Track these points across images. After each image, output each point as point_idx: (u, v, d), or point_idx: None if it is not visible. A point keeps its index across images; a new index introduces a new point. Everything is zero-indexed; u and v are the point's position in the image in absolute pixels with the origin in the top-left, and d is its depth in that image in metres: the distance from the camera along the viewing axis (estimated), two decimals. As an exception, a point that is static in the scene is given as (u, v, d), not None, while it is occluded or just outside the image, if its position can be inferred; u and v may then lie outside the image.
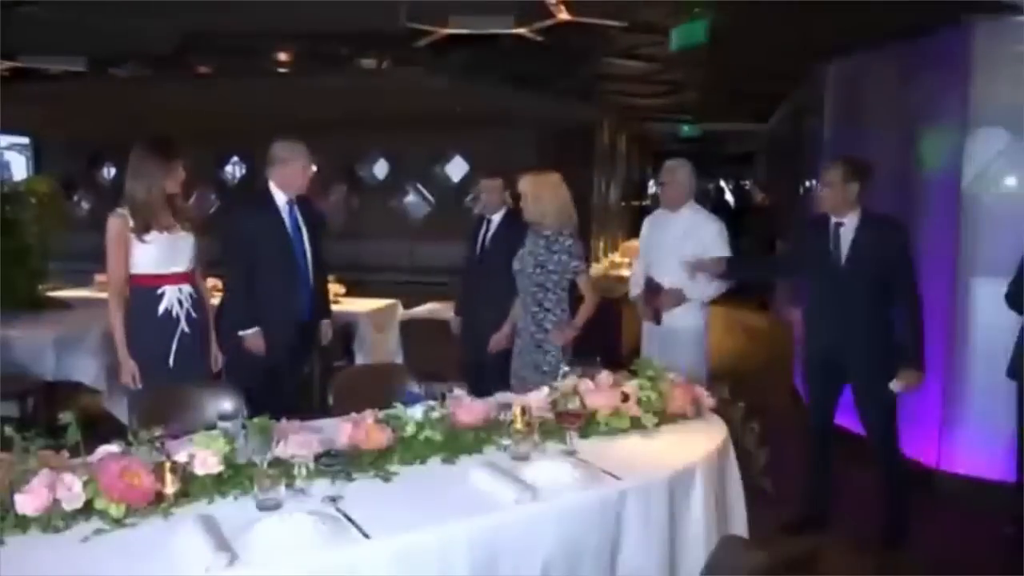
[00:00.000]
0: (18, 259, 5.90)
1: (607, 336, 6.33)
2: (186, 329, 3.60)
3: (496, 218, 4.49)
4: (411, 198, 9.84)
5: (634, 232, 7.46)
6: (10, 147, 11.52)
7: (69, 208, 6.85)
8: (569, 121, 8.80)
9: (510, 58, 5.50)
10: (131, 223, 3.49)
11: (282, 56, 5.60)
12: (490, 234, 4.48)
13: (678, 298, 4.18)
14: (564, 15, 3.91)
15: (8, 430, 2.12)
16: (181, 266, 3.63)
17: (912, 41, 4.79)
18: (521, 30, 4.18)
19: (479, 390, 3.17)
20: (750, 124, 11.77)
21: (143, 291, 3.57)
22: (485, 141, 8.82)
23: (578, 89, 7.85)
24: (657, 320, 4.23)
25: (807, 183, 6.98)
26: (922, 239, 4.67)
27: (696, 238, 4.18)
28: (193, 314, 3.64)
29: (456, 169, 9.45)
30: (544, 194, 3.91)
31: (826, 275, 3.76)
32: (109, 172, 10.86)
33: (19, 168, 11.23)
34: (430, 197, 9.34)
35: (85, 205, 10.52)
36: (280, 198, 3.98)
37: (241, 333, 3.89)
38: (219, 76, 6.16)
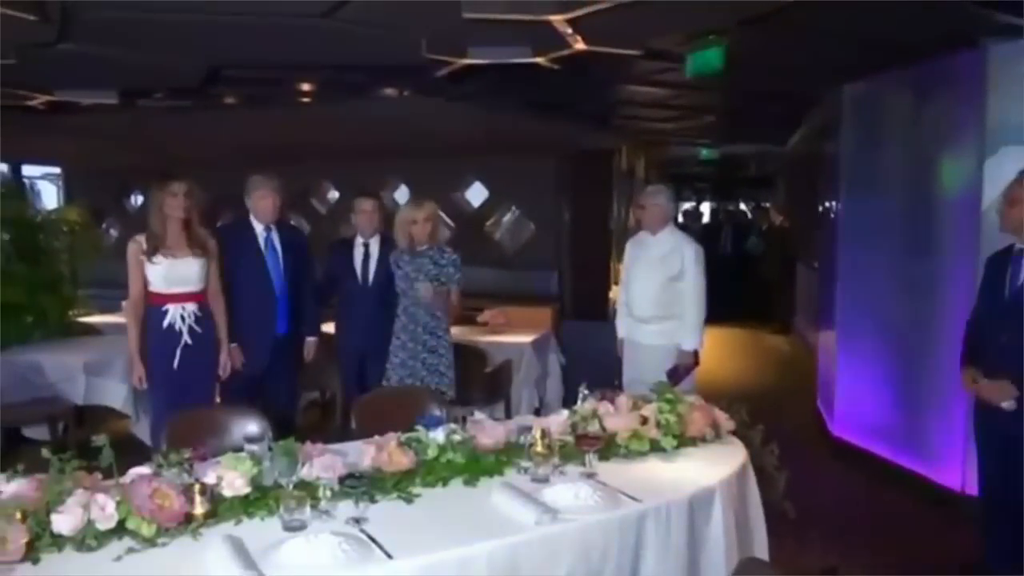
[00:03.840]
0: (50, 287, 6.03)
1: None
2: (188, 341, 4.05)
3: (374, 243, 4.79)
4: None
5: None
6: (43, 177, 11.75)
7: (98, 236, 6.93)
8: (587, 146, 8.81)
9: (528, 86, 5.55)
10: (144, 247, 4.00)
11: (305, 87, 5.70)
12: (373, 259, 4.79)
13: (687, 360, 4.40)
14: (580, 44, 3.96)
15: (45, 451, 2.17)
16: (187, 286, 4.06)
17: (928, 63, 4.79)
18: (539, 59, 4.23)
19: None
20: (769, 147, 11.76)
21: (151, 307, 4.06)
22: (504, 167, 8.90)
23: (596, 115, 7.87)
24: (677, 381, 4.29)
25: (826, 204, 6.97)
26: (941, 264, 4.71)
27: (673, 260, 4.42)
28: (197, 329, 4.08)
29: (476, 195, 9.50)
30: (439, 215, 4.19)
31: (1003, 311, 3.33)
32: (136, 201, 11.02)
33: (50, 197, 11.46)
34: (450, 222, 9.34)
35: (113, 233, 10.64)
36: (258, 226, 4.45)
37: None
38: (244, 106, 6.26)
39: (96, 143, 7.89)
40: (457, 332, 5.36)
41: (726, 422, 3.04)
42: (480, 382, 5.39)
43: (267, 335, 4.44)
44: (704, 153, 13.04)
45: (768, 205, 14.46)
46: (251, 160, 6.30)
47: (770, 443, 3.71)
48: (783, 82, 6.03)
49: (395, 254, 4.52)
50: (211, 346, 4.18)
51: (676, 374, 4.30)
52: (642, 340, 4.54)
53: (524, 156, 8.59)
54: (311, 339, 4.69)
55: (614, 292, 8.65)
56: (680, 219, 16.94)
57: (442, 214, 9.82)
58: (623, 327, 4.69)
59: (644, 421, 2.82)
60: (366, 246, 4.80)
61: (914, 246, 4.99)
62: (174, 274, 4.03)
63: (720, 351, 9.11)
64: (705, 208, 17.51)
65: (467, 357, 5.25)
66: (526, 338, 5.98)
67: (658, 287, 4.46)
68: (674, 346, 4.43)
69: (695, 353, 4.48)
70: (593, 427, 2.67)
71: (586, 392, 3.00)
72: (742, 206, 17.31)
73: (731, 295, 12.86)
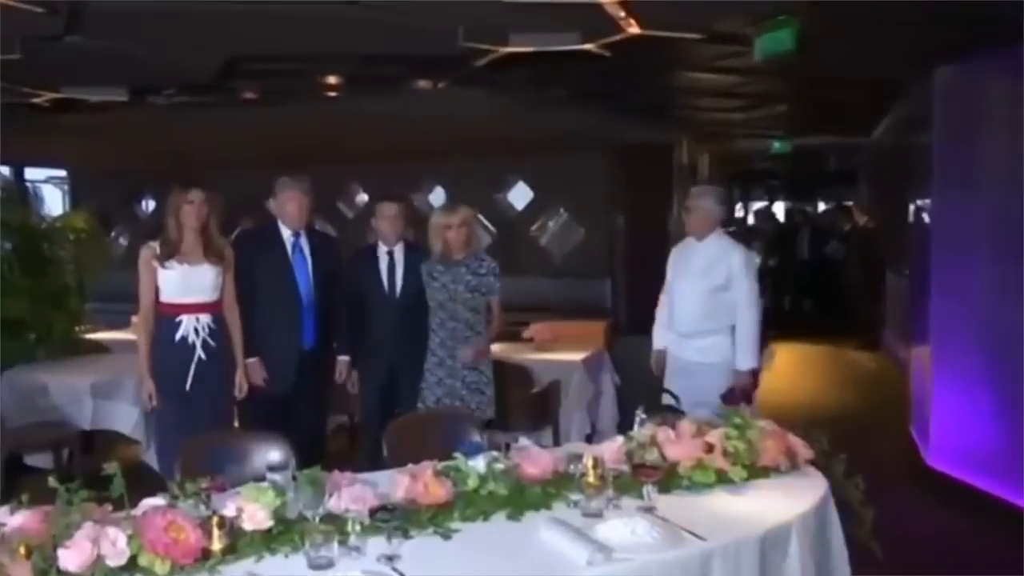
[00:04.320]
0: (55, 300, 6.10)
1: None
2: (203, 356, 4.17)
3: (398, 251, 4.81)
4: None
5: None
6: (46, 180, 12.06)
7: (106, 245, 7.11)
8: (643, 141, 8.82)
9: (577, 76, 5.56)
10: (157, 252, 4.14)
11: (331, 79, 5.77)
12: (399, 268, 4.80)
13: (745, 382, 4.43)
14: (634, 28, 3.95)
15: (52, 480, 2.20)
16: (201, 296, 4.18)
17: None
18: (588, 46, 4.24)
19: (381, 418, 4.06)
20: (850, 138, 11.60)
21: (163, 318, 4.19)
22: (550, 165, 8.96)
23: (652, 106, 7.86)
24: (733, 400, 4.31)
25: (917, 203, 6.85)
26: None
27: (719, 268, 4.47)
28: (211, 342, 4.20)
29: (519, 196, 9.56)
30: (477, 220, 4.16)
31: None
32: (148, 206, 11.24)
33: (55, 203, 11.73)
34: (490, 227, 9.43)
35: (123, 242, 10.93)
36: (285, 232, 4.55)
37: (246, 362, 4.37)
38: (264, 102, 6.35)
39: (104, 144, 8.09)
40: (499, 349, 5.42)
41: (803, 450, 3.00)
42: (525, 405, 5.40)
43: (293, 350, 4.51)
44: (776, 146, 12.90)
45: (850, 204, 14.26)
46: (271, 161, 6.41)
47: (854, 474, 3.64)
48: (864, 65, 5.96)
49: (428, 264, 4.60)
50: (227, 362, 4.28)
51: (732, 397, 4.28)
52: (687, 356, 4.60)
53: (572, 153, 8.64)
54: (343, 358, 4.74)
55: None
56: (751, 220, 16.83)
57: (481, 218, 9.92)
58: (661, 338, 4.76)
59: (709, 449, 2.80)
60: (391, 254, 4.83)
61: (1019, 251, 4.90)
62: (189, 281, 4.16)
63: (796, 369, 9.02)
64: (779, 208, 17.34)
65: (511, 377, 5.28)
66: (576, 356, 5.98)
67: (702, 299, 4.52)
68: (722, 363, 4.47)
69: (753, 373, 4.48)
70: (652, 456, 2.65)
71: (643, 416, 2.99)
72: (821, 205, 17.09)
73: (809, 306, 12.76)
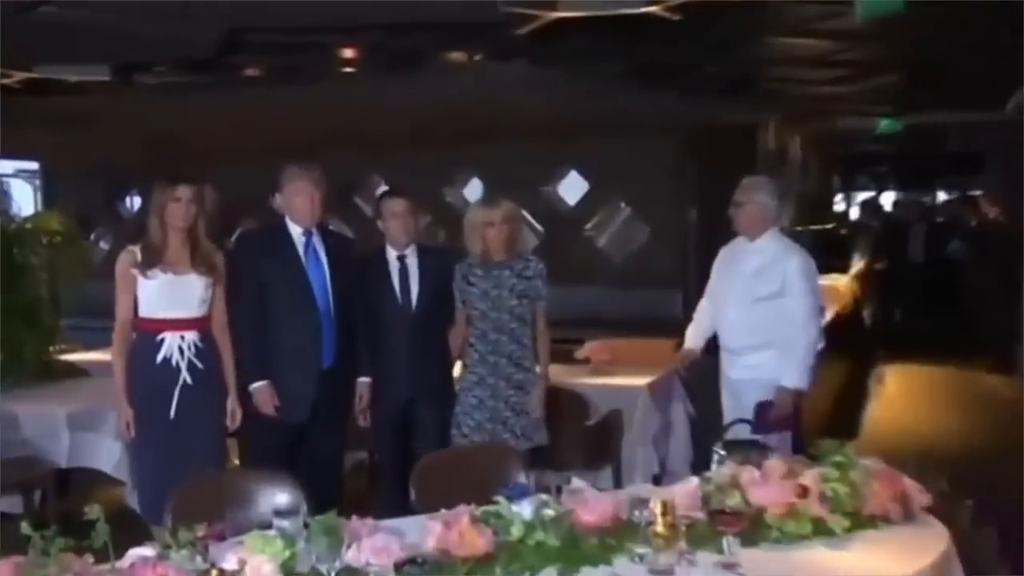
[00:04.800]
0: (26, 316, 6.08)
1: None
2: (188, 380, 4.23)
3: (411, 255, 4.84)
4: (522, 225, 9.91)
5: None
6: (15, 174, 12.23)
7: (85, 250, 7.13)
8: (719, 122, 8.81)
9: (639, 45, 5.56)
10: (138, 258, 4.21)
11: (348, 53, 5.81)
12: (413, 275, 4.82)
13: (785, 404, 4.50)
14: (710, -15, 3.94)
15: (24, 527, 2.24)
16: (186, 311, 4.26)
17: None
18: (652, 9, 4.24)
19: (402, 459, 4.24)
20: (976, 114, 11.46)
21: (143, 336, 4.27)
22: (608, 152, 8.94)
23: (731, 80, 7.85)
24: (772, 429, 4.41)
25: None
26: None
27: (772, 274, 4.59)
28: (199, 364, 4.26)
29: (571, 189, 9.53)
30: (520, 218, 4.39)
31: None
32: (133, 204, 11.33)
33: (26, 200, 11.77)
34: (537, 226, 9.39)
35: (104, 246, 11.00)
36: (295, 230, 4.58)
37: (251, 388, 4.43)
38: (270, 80, 6.43)
39: (83, 132, 8.23)
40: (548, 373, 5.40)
41: (919, 495, 2.96)
42: (579, 439, 5.40)
43: (311, 370, 4.55)
44: (884, 125, 12.81)
45: (977, 194, 14.06)
46: (279, 150, 6.45)
47: (984, 524, 3.60)
48: (992, 25, 5.87)
49: (463, 267, 4.69)
50: (216, 387, 4.36)
51: (764, 417, 4.36)
52: (735, 375, 4.74)
53: (635, 138, 8.61)
54: (364, 379, 4.77)
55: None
56: (855, 214, 16.66)
57: (525, 214, 9.90)
58: (693, 337, 4.98)
59: (803, 493, 2.77)
60: (402, 259, 4.84)
61: None
62: (173, 293, 4.24)
63: (910, 397, 8.89)
64: (887, 200, 17.14)
65: (562, 405, 5.26)
66: (641, 381, 5.94)
67: (752, 308, 4.65)
68: (772, 383, 4.54)
69: (797, 394, 4.57)
70: (733, 501, 2.63)
71: (723, 453, 2.99)
72: (940, 196, 16.85)
73: (924, 319, 12.57)
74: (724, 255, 4.97)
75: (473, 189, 9.55)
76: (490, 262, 4.62)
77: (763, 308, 4.62)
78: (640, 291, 8.58)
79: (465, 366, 4.75)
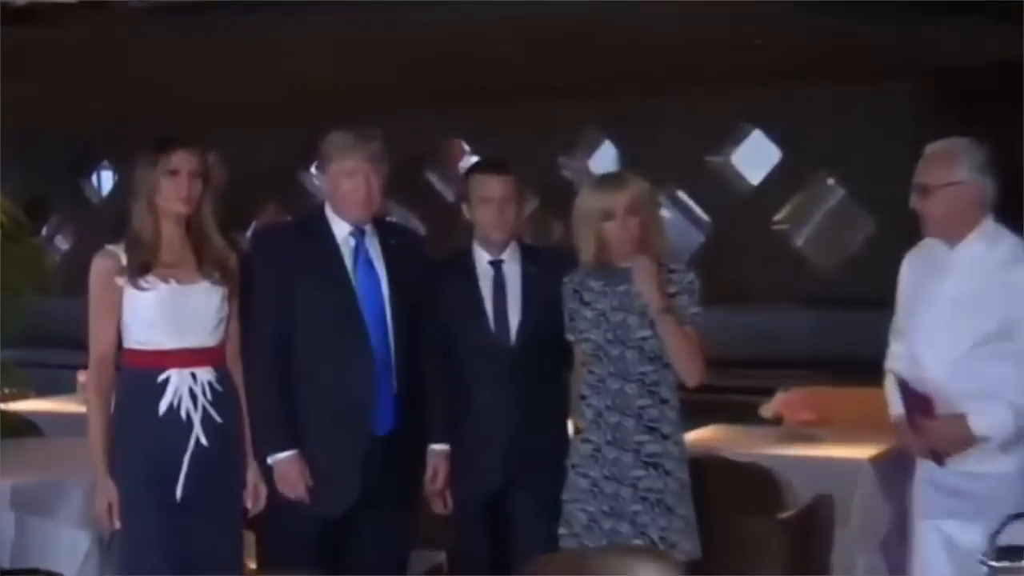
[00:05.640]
0: None
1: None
2: (203, 439, 4.17)
3: (511, 260, 4.85)
4: (666, 214, 9.85)
5: None
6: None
7: (36, 249, 7.26)
8: (980, 58, 8.62)
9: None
10: (123, 262, 4.14)
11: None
12: (513, 291, 4.83)
13: (962, 435, 4.21)
14: None
15: None
16: (198, 336, 4.21)
17: None
18: None
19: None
20: None
21: (137, 376, 4.23)
22: (812, 104, 8.89)
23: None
24: (936, 459, 4.30)
25: None
26: None
27: (987, 300, 4.21)
28: (216, 417, 4.20)
29: (753, 158, 9.53)
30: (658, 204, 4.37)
31: None
32: (104, 182, 11.56)
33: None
34: (703, 215, 9.20)
35: (62, 244, 11.32)
36: (340, 226, 4.56)
37: (271, 460, 4.38)
38: (299, 5, 6.42)
39: (36, 80, 8.37)
40: (709, 437, 5.41)
41: None
42: (766, 539, 5.31)
43: (360, 434, 4.49)
44: None
45: None
46: (314, 106, 6.35)
47: None
48: None
49: (575, 279, 4.58)
50: (237, 450, 4.33)
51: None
52: (962, 467, 4.39)
53: (854, 82, 8.56)
54: (439, 448, 4.70)
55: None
56: None
57: (684, 197, 9.65)
58: (895, 400, 4.56)
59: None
60: (498, 266, 4.82)
61: None
62: (179, 311, 4.19)
63: None
64: None
65: (735, 488, 5.32)
66: (862, 451, 5.79)
67: (960, 347, 4.26)
68: (1013, 473, 4.19)
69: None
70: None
71: (993, 565, 2.90)
72: None
73: None
74: (912, 265, 4.66)
75: (604, 158, 9.43)
76: (612, 270, 4.47)
77: (980, 350, 4.22)
78: (859, 314, 8.35)
79: (577, 431, 4.62)
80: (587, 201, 4.53)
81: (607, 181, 4.71)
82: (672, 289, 4.47)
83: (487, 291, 4.80)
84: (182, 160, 4.15)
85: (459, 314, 4.79)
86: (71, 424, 6.08)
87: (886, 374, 4.72)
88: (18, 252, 6.50)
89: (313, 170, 4.53)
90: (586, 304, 4.51)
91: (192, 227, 4.24)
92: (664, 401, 4.47)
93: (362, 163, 4.46)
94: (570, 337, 4.62)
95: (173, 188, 4.13)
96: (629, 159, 9.06)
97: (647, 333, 4.42)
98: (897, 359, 4.67)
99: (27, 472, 5.35)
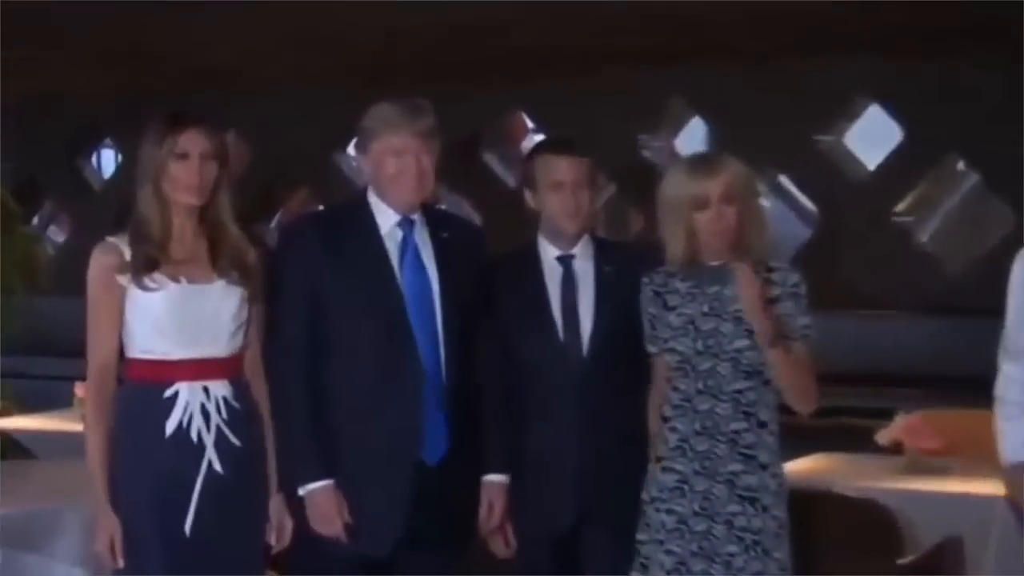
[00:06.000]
0: None
1: None
2: (217, 466, 4.15)
3: (583, 256, 4.83)
4: (766, 204, 9.84)
5: None
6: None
7: (28, 239, 7.45)
8: None
9: None
10: (126, 257, 4.12)
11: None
12: (587, 289, 4.80)
13: None
14: None
15: None
16: (213, 345, 4.19)
17: None
18: None
19: None
20: None
21: (140, 390, 4.20)
22: (942, 76, 8.81)
23: None
24: None
25: None
26: None
27: None
28: (232, 439, 4.18)
29: (868, 138, 9.53)
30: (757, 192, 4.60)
31: None
32: (104, 164, 11.62)
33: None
34: (810, 205, 9.12)
35: (57, 235, 11.44)
36: (386, 215, 4.51)
37: (302, 491, 4.33)
38: None
39: (29, 47, 8.49)
40: (817, 465, 5.62)
41: None
42: None
43: (404, 462, 4.44)
44: None
45: None
46: (348, 75, 6.32)
47: None
48: None
49: (656, 279, 4.58)
50: (259, 476, 4.32)
51: None
52: None
53: (987, 50, 8.48)
54: (497, 478, 4.66)
55: None
56: None
57: (785, 182, 9.54)
58: (1013, 442, 4.68)
59: None
60: (567, 263, 4.80)
61: None
62: (190, 315, 4.18)
63: None
64: None
65: (849, 526, 5.32)
66: (997, 486, 5.55)
67: None
68: None
69: None
70: None
71: None
72: None
73: None
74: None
75: (693, 137, 9.38)
76: (702, 270, 4.43)
77: None
78: (992, 324, 8.20)
79: (658, 458, 4.53)
80: (674, 187, 4.46)
81: (698, 164, 4.59)
82: (774, 292, 4.41)
83: (554, 293, 4.78)
84: (193, 141, 4.12)
85: (521, 320, 4.77)
86: (67, 445, 6.11)
87: (996, 403, 4.71)
88: (9, 244, 6.55)
89: (351, 150, 4.44)
90: (671, 309, 4.48)
91: (207, 217, 4.23)
92: (762, 425, 4.40)
93: (411, 140, 4.40)
94: (651, 348, 4.58)
95: (182, 174, 4.11)
96: (722, 138, 9.02)
97: (744, 343, 4.36)
98: (1010, 385, 4.67)
99: (15, 501, 5.34)
